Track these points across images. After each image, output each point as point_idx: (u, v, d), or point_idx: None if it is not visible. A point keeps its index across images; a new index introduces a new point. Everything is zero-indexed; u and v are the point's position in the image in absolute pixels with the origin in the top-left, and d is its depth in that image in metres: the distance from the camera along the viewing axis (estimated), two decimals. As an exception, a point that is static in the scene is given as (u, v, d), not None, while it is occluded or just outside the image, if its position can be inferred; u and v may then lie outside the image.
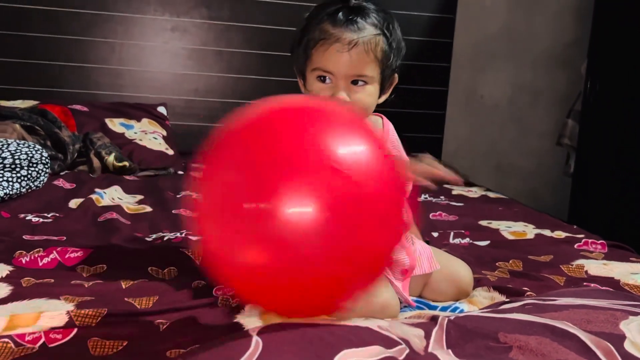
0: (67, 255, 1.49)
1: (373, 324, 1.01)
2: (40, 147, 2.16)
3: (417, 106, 3.42)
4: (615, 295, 1.23)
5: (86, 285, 1.34)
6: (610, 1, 3.28)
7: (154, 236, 1.76)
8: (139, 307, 1.26)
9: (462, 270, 1.45)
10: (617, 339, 0.98)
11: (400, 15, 3.32)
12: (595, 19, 3.37)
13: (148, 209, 2.07)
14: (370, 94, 1.31)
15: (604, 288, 1.44)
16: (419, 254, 1.44)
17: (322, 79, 1.28)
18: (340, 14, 1.27)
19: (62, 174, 2.42)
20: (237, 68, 3.20)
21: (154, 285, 1.36)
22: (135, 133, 2.80)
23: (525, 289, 1.48)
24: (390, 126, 1.50)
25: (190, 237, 1.75)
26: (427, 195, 2.55)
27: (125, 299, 1.28)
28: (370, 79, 1.29)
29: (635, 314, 1.10)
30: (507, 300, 1.24)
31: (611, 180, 3.24)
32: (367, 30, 1.27)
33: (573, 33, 3.61)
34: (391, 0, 3.29)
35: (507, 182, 3.69)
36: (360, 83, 1.28)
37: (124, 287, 1.35)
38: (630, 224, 3.07)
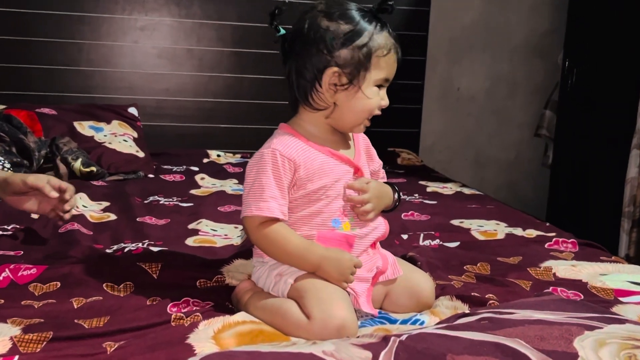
0: (19, 273, 1.45)
1: (318, 349, 0.98)
2: (2, 158, 2.11)
3: (392, 101, 3.36)
4: (576, 306, 1.20)
5: (36, 306, 1.30)
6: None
7: (114, 247, 1.72)
8: (87, 327, 1.23)
9: (422, 282, 1.42)
10: (569, 358, 0.96)
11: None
12: (571, 8, 3.34)
13: (112, 217, 2.03)
14: None
15: (565, 297, 1.41)
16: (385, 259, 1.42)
17: (378, 86, 1.32)
18: (380, 21, 1.30)
19: (28, 180, 2.37)
20: (209, 66, 3.15)
21: (107, 303, 1.33)
22: (105, 136, 2.75)
23: (490, 296, 1.46)
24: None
25: (150, 247, 1.72)
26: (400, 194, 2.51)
27: (75, 320, 1.25)
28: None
29: (592, 327, 1.07)
30: (465, 313, 1.21)
31: (589, 170, 3.23)
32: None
33: (549, 23, 3.58)
34: (364, -6, 3.24)
35: (485, 174, 3.67)
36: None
37: (75, 306, 1.32)
38: (607, 213, 3.06)
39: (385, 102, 1.34)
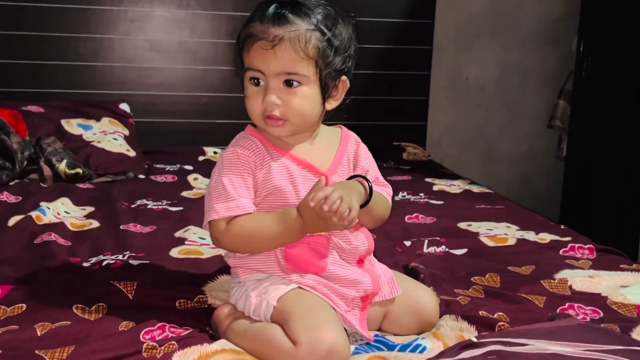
0: (-18, 295, 1.33)
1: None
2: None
3: (398, 92, 3.23)
4: (597, 334, 1.06)
5: (-5, 334, 1.18)
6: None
7: (92, 260, 1.60)
8: (49, 360, 1.10)
9: (425, 299, 1.30)
10: (592, 409, 0.82)
11: (378, -4, 3.12)
12: (586, -9, 3.18)
13: (95, 224, 1.90)
14: (306, 97, 1.19)
15: (582, 316, 1.27)
16: (379, 277, 1.28)
17: (255, 82, 1.19)
18: (270, 9, 1.18)
19: (11, 184, 2.25)
20: (204, 59, 3.00)
21: (75, 329, 1.21)
22: (94, 134, 2.62)
23: (499, 315, 1.32)
24: (352, 137, 1.34)
25: (131, 260, 1.59)
26: (405, 194, 2.37)
27: (37, 351, 1.13)
28: (304, 79, 1.18)
29: (617, 365, 0.93)
30: (471, 342, 1.07)
31: (606, 163, 3.08)
32: (297, 25, 1.16)
33: (563, 8, 3.40)
34: (367, -19, 3.09)
35: (496, 169, 3.51)
36: (294, 84, 1.18)
37: (39, 333, 1.20)
38: (626, 207, 2.91)
39: (267, 99, 1.17)
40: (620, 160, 2.98)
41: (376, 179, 1.32)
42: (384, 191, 1.32)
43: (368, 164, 1.33)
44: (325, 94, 1.22)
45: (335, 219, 1.11)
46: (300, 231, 1.17)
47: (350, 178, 1.25)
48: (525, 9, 3.38)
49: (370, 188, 1.22)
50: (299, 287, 1.20)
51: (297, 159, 1.24)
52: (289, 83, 1.17)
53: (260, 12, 1.19)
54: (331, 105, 1.25)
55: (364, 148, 1.34)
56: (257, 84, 1.18)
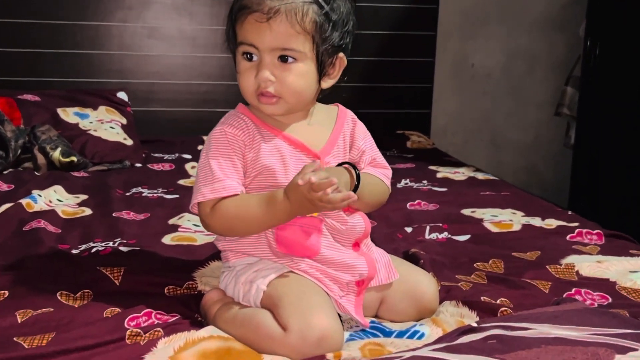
0: (-37, 282, 1.28)
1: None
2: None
3: (401, 80, 3.16)
4: (604, 318, 1.00)
5: (-28, 323, 1.13)
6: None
7: (82, 247, 1.55)
8: (27, 347, 1.05)
9: (424, 284, 1.24)
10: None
11: (380, -19, 3.05)
12: (593, -25, 3.10)
13: (87, 212, 1.85)
14: (302, 74, 1.14)
15: (590, 302, 1.21)
16: (376, 261, 1.22)
17: (248, 57, 1.13)
18: None
19: (4, 172, 2.21)
20: (204, 46, 2.94)
21: (57, 316, 1.17)
22: (90, 123, 2.57)
23: (502, 300, 1.27)
24: (349, 115, 1.29)
25: (122, 246, 1.53)
26: (407, 181, 2.31)
27: (15, 338, 1.08)
28: (300, 55, 1.12)
29: (624, 349, 0.87)
30: (470, 327, 1.01)
31: (615, 151, 3.00)
32: None
33: (570, -8, 3.33)
34: (368, -35, 3.02)
35: (503, 157, 3.44)
36: (289, 60, 1.12)
37: (19, 320, 1.15)
38: (635, 194, 2.84)
39: (260, 75, 1.12)
40: (629, 148, 2.91)
41: (374, 160, 1.27)
42: (381, 173, 1.26)
43: (365, 143, 1.27)
44: (321, 71, 1.16)
45: (322, 199, 1.05)
46: (288, 213, 1.11)
47: (338, 165, 1.19)
48: (532, -6, 3.31)
49: (358, 176, 1.17)
50: (291, 272, 1.14)
51: (290, 138, 1.18)
52: (283, 59, 1.12)
53: None
54: (327, 83, 1.20)
55: (360, 127, 1.28)
56: (250, 59, 1.13)
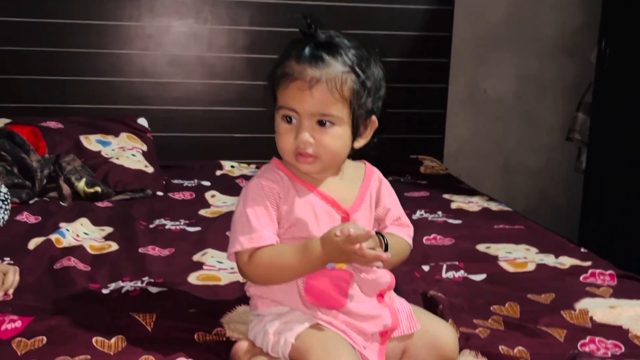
0: (3, 327, 1.35)
1: None
2: (-2, 183, 2.01)
3: (415, 105, 3.21)
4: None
5: (16, 371, 1.19)
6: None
7: (111, 287, 1.60)
8: (70, 399, 1.11)
9: (445, 335, 1.29)
10: None
11: (395, 9, 3.11)
12: (605, 2, 3.13)
13: (114, 246, 1.91)
14: (338, 137, 1.20)
15: (604, 352, 1.25)
16: (398, 312, 1.28)
17: (287, 120, 1.19)
18: (306, 49, 1.18)
19: (30, 202, 2.27)
20: (222, 73, 3.01)
21: (95, 365, 1.22)
22: (112, 150, 2.63)
23: (519, 350, 1.32)
24: (376, 174, 1.35)
25: (150, 286, 1.59)
26: (422, 212, 2.36)
27: (57, 388, 1.14)
28: (337, 120, 1.18)
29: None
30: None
31: (626, 177, 3.04)
32: (333, 67, 1.17)
33: (582, 18, 3.37)
34: (385, -5, 3.08)
35: (514, 181, 3.48)
36: (327, 124, 1.18)
37: (59, 369, 1.20)
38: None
39: (300, 137, 1.17)
40: (639, 174, 2.94)
41: (398, 219, 1.32)
42: (404, 233, 1.32)
43: (391, 202, 1.33)
44: (355, 133, 1.22)
45: (357, 252, 1.11)
46: (321, 261, 1.17)
47: None
48: (544, 20, 3.35)
49: (386, 245, 1.23)
50: (318, 324, 1.20)
51: (322, 194, 1.24)
52: (321, 123, 1.18)
53: (295, 51, 1.18)
54: (359, 143, 1.26)
55: (386, 185, 1.33)
56: (290, 122, 1.19)
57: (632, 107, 3.00)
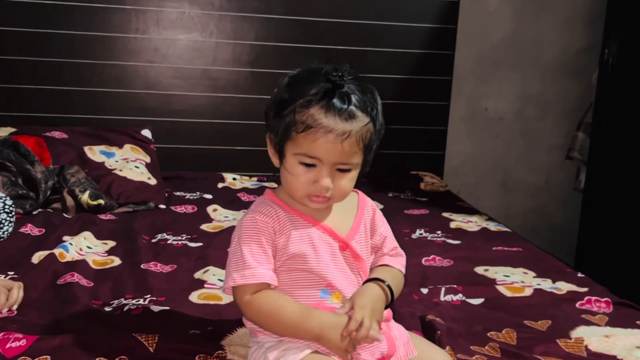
0: (8, 345, 1.36)
1: None
2: (3, 195, 2.03)
3: (417, 122, 3.24)
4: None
5: (20, 391, 1.21)
6: (622, 6, 3.07)
7: (114, 304, 1.63)
8: (73, 423, 1.13)
9: (441, 363, 1.30)
10: None
11: (399, 27, 3.14)
12: (607, 24, 3.16)
13: (116, 261, 1.93)
14: (352, 179, 1.24)
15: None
16: (395, 339, 1.30)
17: (306, 164, 1.19)
18: (336, 101, 1.16)
19: (34, 213, 2.30)
20: (225, 87, 3.04)
21: (98, 386, 1.24)
22: (116, 162, 2.65)
23: (515, 380, 1.33)
24: (368, 202, 1.37)
25: (152, 304, 1.61)
26: (422, 231, 2.38)
27: (61, 410, 1.16)
28: (355, 166, 1.22)
29: None
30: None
31: (624, 196, 3.06)
32: (359, 120, 1.17)
33: (584, 40, 3.40)
34: (389, 13, 3.11)
35: (513, 198, 3.51)
36: (345, 170, 1.20)
37: (62, 390, 1.22)
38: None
39: (319, 184, 1.18)
40: (637, 195, 2.97)
41: (394, 249, 1.35)
42: (399, 264, 1.34)
43: (385, 230, 1.35)
44: (362, 172, 1.25)
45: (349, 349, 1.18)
46: (313, 336, 1.19)
47: (370, 280, 1.27)
48: (546, 41, 3.38)
49: (392, 295, 1.27)
50: (317, 351, 1.22)
51: (318, 223, 1.26)
52: (341, 170, 1.19)
53: (318, 99, 1.16)
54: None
55: (379, 214, 1.36)
56: (308, 166, 1.19)
57: (632, 128, 3.02)
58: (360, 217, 1.32)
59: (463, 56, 3.27)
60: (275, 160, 1.25)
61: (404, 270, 1.36)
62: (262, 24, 3.02)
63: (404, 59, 3.17)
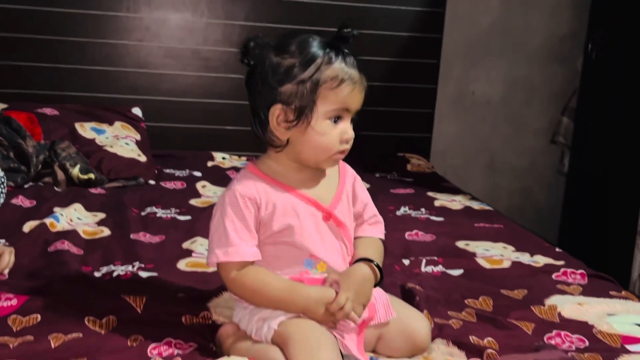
0: (0, 304, 1.41)
1: None
2: (-5, 167, 2.07)
3: (404, 105, 3.29)
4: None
5: (12, 345, 1.25)
6: (608, -7, 3.13)
7: (103, 270, 1.67)
8: (62, 373, 1.18)
9: (418, 325, 1.35)
10: None
11: (387, 10, 3.18)
12: (592, 12, 3.21)
13: (106, 232, 1.98)
14: None
15: (566, 356, 1.33)
16: (375, 301, 1.35)
17: (335, 120, 1.24)
18: (348, 54, 1.25)
19: (25, 186, 2.33)
20: (216, 67, 3.07)
21: (87, 342, 1.29)
22: (106, 138, 2.69)
23: (489, 341, 1.39)
24: (349, 170, 1.41)
25: (140, 271, 1.66)
26: (407, 208, 2.44)
27: (50, 363, 1.20)
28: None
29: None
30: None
31: (606, 180, 3.12)
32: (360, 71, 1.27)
33: (569, 27, 3.45)
34: (378, -5, 3.15)
35: (499, 181, 3.57)
36: (352, 120, 1.28)
37: (53, 345, 1.27)
38: (623, 225, 2.96)
39: (348, 135, 1.25)
40: (619, 179, 3.03)
41: (374, 216, 1.41)
42: (379, 231, 1.40)
43: (365, 197, 1.40)
44: None
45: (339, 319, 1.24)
46: (299, 310, 1.24)
47: (360, 260, 1.32)
48: (533, 27, 3.43)
49: (381, 274, 1.32)
50: (300, 315, 1.26)
51: (302, 194, 1.29)
52: (352, 120, 1.27)
53: (328, 53, 1.22)
54: None
55: (359, 182, 1.40)
56: (336, 122, 1.24)
57: (615, 113, 3.08)
58: (342, 185, 1.36)
59: (451, 40, 3.32)
60: (283, 133, 1.24)
61: (383, 237, 1.41)
62: (253, 4, 3.05)
63: (393, 41, 3.21)
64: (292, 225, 1.26)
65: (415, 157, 3.23)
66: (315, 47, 1.22)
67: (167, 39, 3.01)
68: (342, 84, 1.21)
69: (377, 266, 1.32)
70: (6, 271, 1.60)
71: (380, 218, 1.42)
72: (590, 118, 3.22)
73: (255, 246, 1.25)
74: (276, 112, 1.23)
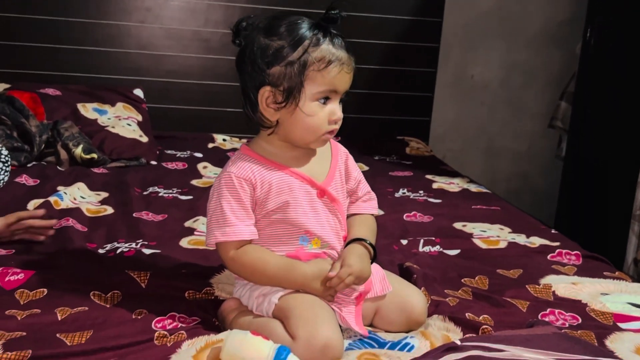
0: (7, 278, 1.44)
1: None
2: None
3: (404, 88, 3.31)
4: (570, 343, 1.16)
5: (19, 317, 1.29)
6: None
7: (107, 247, 1.70)
8: (69, 344, 1.21)
9: (414, 299, 1.38)
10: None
11: (388, -6, 3.19)
12: (592, -4, 3.22)
13: (109, 210, 2.01)
14: None
15: (559, 331, 1.37)
16: (372, 276, 1.38)
17: (323, 101, 1.26)
18: (337, 36, 1.26)
19: (28, 165, 2.36)
20: (217, 48, 3.09)
21: (93, 315, 1.32)
22: (108, 119, 2.71)
23: (484, 318, 1.42)
24: (340, 148, 1.44)
25: (144, 248, 1.69)
26: (405, 190, 2.47)
27: (58, 334, 1.23)
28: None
29: (582, 374, 1.03)
30: (454, 345, 1.17)
31: (603, 165, 3.15)
32: (349, 52, 1.28)
33: (568, 11, 3.47)
34: (378, -21, 3.16)
35: (497, 164, 3.60)
36: (341, 100, 1.30)
37: (59, 318, 1.30)
38: (618, 210, 2.99)
39: (336, 115, 1.27)
40: (616, 165, 3.05)
41: (368, 193, 1.44)
42: (372, 207, 1.43)
43: (358, 174, 1.43)
44: None
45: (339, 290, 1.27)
46: (297, 286, 1.28)
47: (353, 241, 1.34)
48: (532, 11, 3.44)
49: (375, 253, 1.35)
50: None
51: (296, 172, 1.32)
52: (341, 100, 1.29)
53: (324, 35, 1.24)
54: None
55: (351, 159, 1.43)
56: (324, 103, 1.26)
57: (612, 98, 3.10)
58: (335, 163, 1.39)
59: (451, 24, 3.33)
60: (272, 114, 1.26)
61: (376, 212, 1.45)
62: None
63: (392, 25, 3.22)
64: (288, 201, 1.29)
65: (414, 140, 3.26)
66: (303, 29, 1.24)
67: (168, 20, 3.03)
68: (329, 65, 1.23)
69: (371, 244, 1.35)
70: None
71: (373, 194, 1.46)
72: (589, 103, 3.24)
73: (252, 225, 1.29)
74: (265, 93, 1.25)
